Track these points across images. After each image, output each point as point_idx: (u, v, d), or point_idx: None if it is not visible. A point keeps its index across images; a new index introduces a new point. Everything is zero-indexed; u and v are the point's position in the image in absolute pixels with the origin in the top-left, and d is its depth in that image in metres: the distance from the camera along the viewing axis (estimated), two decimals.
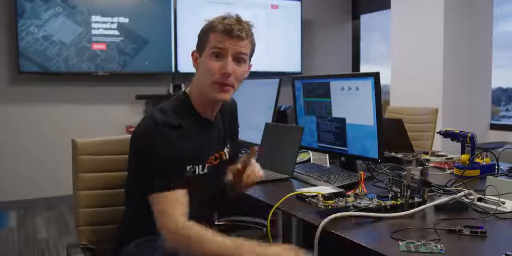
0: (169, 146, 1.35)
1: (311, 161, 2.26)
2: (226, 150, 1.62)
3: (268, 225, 1.51)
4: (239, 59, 1.43)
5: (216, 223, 1.77)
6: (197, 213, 1.37)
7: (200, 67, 1.44)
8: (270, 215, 1.47)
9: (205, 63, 1.41)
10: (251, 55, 1.49)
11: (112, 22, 4.56)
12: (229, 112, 1.68)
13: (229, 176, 1.64)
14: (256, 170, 1.59)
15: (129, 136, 1.51)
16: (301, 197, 1.53)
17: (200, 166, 1.48)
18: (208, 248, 1.25)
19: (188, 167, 1.43)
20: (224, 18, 1.43)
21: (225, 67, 1.39)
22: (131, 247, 1.44)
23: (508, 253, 1.01)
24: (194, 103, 1.48)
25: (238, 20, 1.43)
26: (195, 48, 1.49)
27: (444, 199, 1.42)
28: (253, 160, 1.58)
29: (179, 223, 1.28)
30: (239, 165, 1.56)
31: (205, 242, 1.26)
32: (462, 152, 2.03)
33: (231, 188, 1.66)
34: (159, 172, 1.34)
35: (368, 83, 1.81)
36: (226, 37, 1.39)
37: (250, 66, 1.52)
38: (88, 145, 1.65)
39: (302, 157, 2.31)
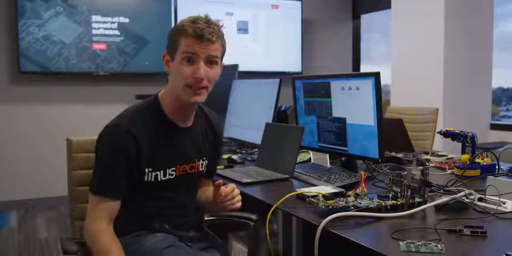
0: (112, 149, 1.40)
1: (312, 161, 2.26)
2: (202, 162, 1.60)
3: (267, 225, 1.51)
4: (211, 62, 1.44)
5: (204, 219, 1.78)
6: (172, 216, 1.48)
7: (172, 71, 1.46)
8: (269, 214, 1.47)
9: (178, 67, 1.42)
10: (222, 56, 1.50)
11: (112, 22, 4.56)
12: (214, 131, 1.66)
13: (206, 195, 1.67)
14: (235, 199, 1.54)
15: None
16: (301, 197, 1.53)
17: (161, 172, 1.48)
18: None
19: (147, 170, 1.44)
20: (194, 20, 1.42)
21: (197, 72, 1.40)
22: (122, 240, 1.46)
23: (509, 253, 1.01)
24: (164, 107, 1.49)
25: (208, 22, 1.42)
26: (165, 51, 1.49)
27: (444, 199, 1.42)
28: (235, 190, 1.55)
29: (94, 227, 1.39)
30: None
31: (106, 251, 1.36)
32: (463, 152, 2.03)
33: (206, 208, 1.67)
34: (96, 174, 1.42)
35: (369, 83, 1.80)
36: (197, 41, 1.39)
37: (222, 65, 1.52)
38: (82, 143, 1.72)
39: (302, 157, 2.31)
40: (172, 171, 1.50)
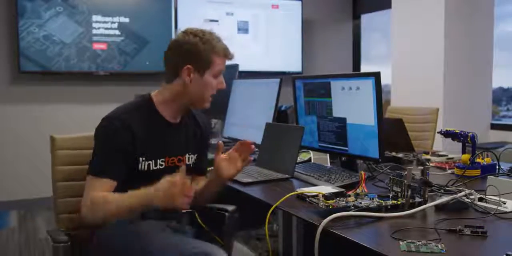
0: (113, 136, 1.52)
1: (312, 161, 2.26)
2: (189, 156, 1.72)
3: (266, 225, 1.51)
4: None
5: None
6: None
7: (201, 82, 1.61)
8: (269, 214, 1.47)
9: (209, 81, 1.62)
10: None
11: (112, 22, 4.56)
12: (201, 130, 1.79)
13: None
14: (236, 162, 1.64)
15: None
16: (301, 197, 1.53)
17: (153, 162, 1.60)
18: (113, 203, 1.45)
19: (140, 159, 1.57)
20: (215, 39, 1.62)
21: (222, 84, 1.67)
22: (105, 231, 1.56)
23: (509, 253, 1.01)
24: (158, 106, 1.63)
25: (222, 40, 1.65)
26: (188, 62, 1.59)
27: (444, 199, 1.42)
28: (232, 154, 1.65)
29: (92, 196, 1.48)
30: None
31: (109, 199, 1.46)
32: (463, 152, 2.02)
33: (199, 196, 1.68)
34: (97, 157, 1.54)
35: (369, 83, 1.80)
36: (225, 61, 1.65)
37: None
38: (64, 140, 1.80)
39: (302, 157, 2.31)
40: (162, 161, 1.63)
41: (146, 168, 1.59)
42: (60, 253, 1.55)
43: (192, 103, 1.66)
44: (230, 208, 1.78)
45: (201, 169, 1.81)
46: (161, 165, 1.63)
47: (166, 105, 1.63)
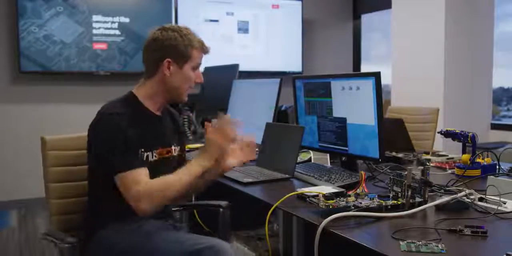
0: (119, 131, 1.54)
1: (312, 160, 2.26)
2: (174, 148, 1.77)
3: (267, 225, 1.51)
4: None
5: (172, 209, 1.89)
6: None
7: (180, 75, 1.68)
8: (269, 214, 1.48)
9: (188, 74, 1.68)
10: None
11: (113, 22, 4.57)
12: (176, 121, 1.87)
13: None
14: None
15: None
16: (302, 197, 1.53)
17: (150, 153, 1.64)
18: (176, 184, 1.51)
19: (140, 151, 1.60)
20: (193, 33, 1.70)
21: (200, 78, 1.72)
22: (103, 230, 1.58)
23: (509, 253, 1.01)
24: (142, 100, 1.69)
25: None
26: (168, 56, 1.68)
27: (445, 199, 1.42)
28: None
29: (144, 185, 1.49)
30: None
31: (170, 182, 1.51)
32: (463, 152, 2.02)
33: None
34: (113, 156, 1.53)
35: (369, 83, 1.80)
36: (202, 54, 1.72)
37: None
38: (55, 141, 1.80)
39: (303, 157, 2.31)
40: (155, 152, 1.67)
41: (145, 159, 1.62)
42: (65, 254, 1.54)
43: (171, 97, 1.71)
44: (224, 203, 1.84)
45: (185, 161, 1.84)
46: (155, 156, 1.66)
47: (150, 100, 1.69)
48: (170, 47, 1.66)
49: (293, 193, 1.55)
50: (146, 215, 1.52)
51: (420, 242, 1.12)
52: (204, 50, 1.71)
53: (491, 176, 1.61)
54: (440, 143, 3.30)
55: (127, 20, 4.61)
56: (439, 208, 1.41)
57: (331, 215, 1.27)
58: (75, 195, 1.79)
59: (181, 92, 1.70)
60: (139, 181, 1.49)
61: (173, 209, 1.87)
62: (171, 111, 1.86)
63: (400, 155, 2.36)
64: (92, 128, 1.62)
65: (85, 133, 1.82)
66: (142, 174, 1.52)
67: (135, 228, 1.57)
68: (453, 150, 2.39)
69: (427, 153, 2.41)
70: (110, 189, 1.55)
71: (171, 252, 1.48)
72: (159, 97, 1.70)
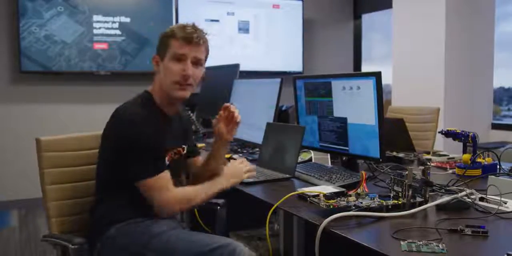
0: (149, 135, 1.54)
1: (313, 160, 2.26)
2: (183, 147, 1.78)
3: (267, 224, 1.51)
4: (196, 62, 1.63)
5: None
6: None
7: (162, 69, 1.63)
8: (269, 214, 1.48)
9: (168, 66, 1.61)
10: (206, 59, 1.70)
11: (113, 22, 4.57)
12: (186, 121, 1.89)
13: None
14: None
15: (88, 134, 1.83)
16: (302, 197, 1.53)
17: (165, 157, 1.65)
18: (200, 196, 1.60)
19: (162, 155, 1.62)
20: (182, 26, 1.62)
21: (186, 70, 1.60)
22: (110, 232, 1.56)
23: (510, 252, 1.01)
24: (156, 100, 1.66)
25: (195, 28, 1.63)
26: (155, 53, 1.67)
27: (445, 198, 1.42)
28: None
29: (174, 193, 1.55)
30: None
31: (197, 192, 1.61)
32: (464, 152, 2.02)
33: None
34: (140, 160, 1.52)
35: (370, 83, 1.80)
36: (186, 43, 1.59)
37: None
38: (50, 142, 1.75)
39: (303, 156, 2.30)
40: (170, 154, 1.68)
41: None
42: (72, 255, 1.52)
43: (167, 94, 1.64)
44: (220, 202, 1.86)
45: (197, 152, 1.93)
46: (171, 157, 1.69)
47: (159, 99, 1.66)
48: (158, 41, 1.66)
49: (294, 193, 1.55)
50: (164, 217, 1.58)
51: (421, 242, 1.12)
52: (187, 39, 1.58)
53: (492, 176, 1.61)
54: (440, 143, 3.30)
55: (127, 20, 4.61)
56: (439, 208, 1.41)
57: (331, 215, 1.27)
58: (73, 196, 1.77)
59: (166, 87, 1.62)
60: (167, 187, 1.54)
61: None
62: (181, 114, 1.85)
63: (400, 155, 2.36)
64: (114, 134, 1.58)
65: (83, 134, 1.83)
66: (168, 179, 1.56)
67: (146, 229, 1.56)
68: (454, 150, 2.39)
69: (428, 153, 2.41)
70: (123, 191, 1.57)
71: (184, 252, 1.47)
72: (163, 95, 1.66)
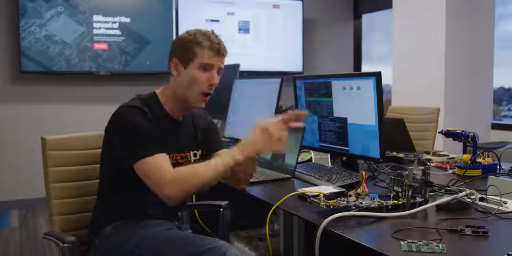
0: (142, 122, 1.52)
1: (313, 160, 2.26)
2: (192, 153, 1.73)
3: (267, 225, 1.51)
4: (219, 72, 1.64)
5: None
6: (163, 203, 1.48)
7: (185, 76, 1.61)
8: (269, 214, 1.48)
9: (194, 74, 1.60)
10: None
11: (113, 22, 4.57)
12: (206, 125, 1.82)
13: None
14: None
15: (93, 133, 1.83)
16: (302, 197, 1.53)
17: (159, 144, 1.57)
18: (204, 173, 1.46)
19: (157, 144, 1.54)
20: (205, 34, 1.61)
21: (213, 80, 1.61)
22: (108, 229, 1.58)
23: (510, 253, 1.01)
24: (163, 103, 1.65)
25: (218, 38, 1.63)
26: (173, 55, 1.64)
27: (445, 199, 1.42)
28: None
29: (171, 172, 1.45)
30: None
31: (199, 170, 1.47)
32: (464, 152, 2.02)
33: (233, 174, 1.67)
34: (139, 142, 1.49)
35: (370, 83, 1.80)
36: (214, 54, 1.60)
37: None
38: (55, 141, 1.80)
39: (303, 156, 2.31)
40: (172, 159, 1.61)
41: None
42: (67, 253, 1.53)
43: (186, 100, 1.62)
44: (224, 203, 1.84)
45: (220, 146, 1.81)
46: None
47: (169, 102, 1.65)
48: (177, 46, 1.63)
49: (294, 193, 1.55)
50: (173, 203, 1.46)
51: (421, 242, 1.12)
52: (214, 50, 1.59)
53: (492, 176, 1.61)
54: (440, 143, 3.30)
55: (127, 20, 4.61)
56: (439, 208, 1.41)
57: (331, 215, 1.27)
58: (76, 195, 1.79)
59: (189, 96, 1.60)
60: (162, 167, 1.46)
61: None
62: (194, 113, 1.79)
63: (400, 155, 2.36)
64: (111, 121, 1.58)
65: (86, 133, 1.84)
66: (165, 159, 1.49)
67: (140, 228, 1.57)
68: (454, 150, 2.39)
69: (428, 153, 2.41)
70: (121, 190, 1.58)
71: (174, 253, 1.48)
72: (176, 100, 1.65)
